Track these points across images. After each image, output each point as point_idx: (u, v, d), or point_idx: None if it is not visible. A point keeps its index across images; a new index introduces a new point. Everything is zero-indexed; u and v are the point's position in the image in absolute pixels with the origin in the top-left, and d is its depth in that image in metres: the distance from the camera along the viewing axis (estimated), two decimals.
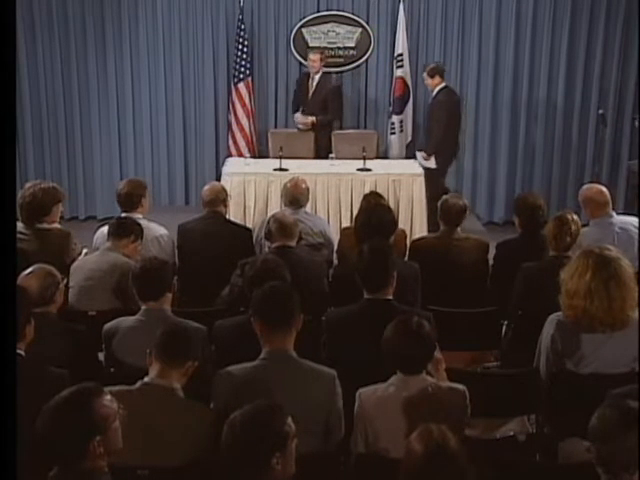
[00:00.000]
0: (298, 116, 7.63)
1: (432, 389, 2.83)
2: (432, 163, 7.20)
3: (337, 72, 8.10)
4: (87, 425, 2.21)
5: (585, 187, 5.07)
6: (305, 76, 7.74)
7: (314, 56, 7.59)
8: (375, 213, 4.45)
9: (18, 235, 4.32)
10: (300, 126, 7.62)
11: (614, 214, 4.86)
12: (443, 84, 7.27)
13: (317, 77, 7.60)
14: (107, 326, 3.47)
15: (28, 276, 3.44)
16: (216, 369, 3.03)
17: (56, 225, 4.66)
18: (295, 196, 5.14)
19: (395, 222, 4.58)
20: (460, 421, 2.80)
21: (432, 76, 7.22)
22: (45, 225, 4.56)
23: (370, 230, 4.29)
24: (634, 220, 4.88)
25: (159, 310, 3.46)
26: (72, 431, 2.19)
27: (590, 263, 3.26)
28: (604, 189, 4.89)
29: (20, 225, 4.45)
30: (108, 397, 2.30)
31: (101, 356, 3.53)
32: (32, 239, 4.45)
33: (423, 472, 2.15)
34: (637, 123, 7.50)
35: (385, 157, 7.70)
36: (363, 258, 3.58)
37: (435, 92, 7.25)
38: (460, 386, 2.89)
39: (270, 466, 2.23)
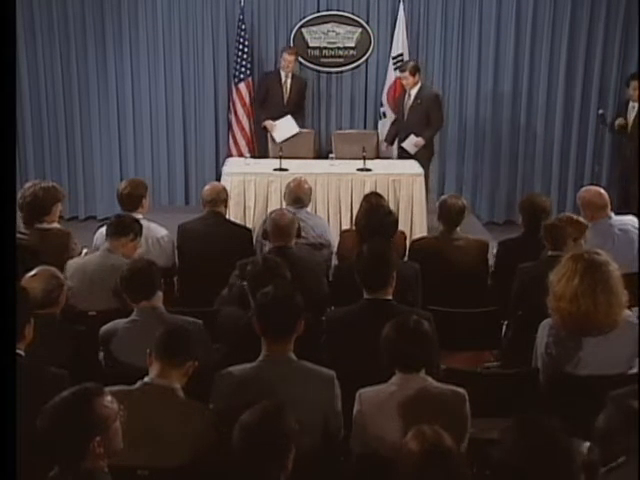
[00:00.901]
0: (292, 124, 7.48)
1: (432, 390, 2.84)
2: (414, 150, 7.19)
3: (337, 72, 8.11)
4: (87, 425, 2.21)
5: (583, 190, 5.06)
6: (275, 77, 7.62)
7: (290, 56, 7.49)
8: (377, 216, 4.44)
9: (18, 235, 4.33)
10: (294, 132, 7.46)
11: (612, 215, 4.86)
12: (420, 82, 7.28)
13: (290, 76, 7.57)
14: (104, 328, 3.47)
15: (32, 278, 3.44)
16: (221, 360, 3.04)
17: (56, 225, 4.66)
18: (298, 195, 5.15)
19: (396, 224, 4.57)
20: (460, 423, 2.80)
21: (414, 74, 7.16)
22: (45, 225, 4.56)
23: (371, 233, 4.28)
24: (633, 220, 4.89)
25: (153, 308, 3.47)
26: (73, 431, 2.19)
27: (579, 268, 3.25)
28: (602, 191, 4.89)
29: (20, 225, 4.46)
30: (109, 397, 2.30)
31: (101, 356, 3.54)
32: (32, 239, 4.45)
33: (419, 471, 2.15)
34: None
35: (385, 157, 7.69)
36: (363, 258, 3.58)
37: (418, 89, 7.20)
38: (461, 390, 2.89)
39: (285, 465, 2.26)
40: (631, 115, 7.29)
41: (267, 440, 2.24)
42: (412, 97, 7.23)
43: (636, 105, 7.22)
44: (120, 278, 3.57)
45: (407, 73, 7.18)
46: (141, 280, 3.49)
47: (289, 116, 7.45)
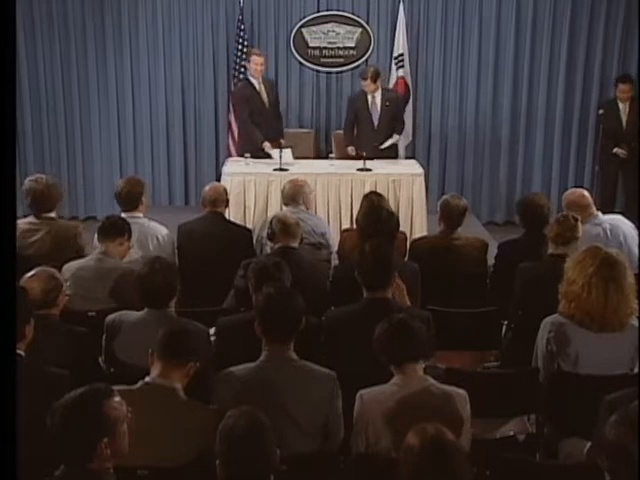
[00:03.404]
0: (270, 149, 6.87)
1: (434, 390, 2.84)
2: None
3: (337, 72, 8.11)
4: (96, 426, 2.21)
5: (568, 192, 5.14)
6: (248, 86, 7.14)
7: (260, 57, 7.07)
8: (378, 217, 4.43)
9: (28, 226, 4.53)
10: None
11: (599, 214, 4.94)
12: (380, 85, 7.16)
13: (261, 81, 7.15)
14: (110, 318, 3.46)
15: (31, 278, 3.43)
16: (218, 366, 3.03)
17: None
18: (293, 191, 5.17)
19: (397, 225, 4.56)
20: (461, 424, 2.80)
21: (375, 80, 6.96)
22: (52, 215, 4.67)
23: (373, 233, 4.28)
24: (620, 217, 5.01)
25: (163, 310, 3.45)
26: (81, 431, 2.18)
27: (597, 259, 3.30)
28: (585, 192, 5.00)
29: (30, 217, 4.63)
30: (118, 399, 2.30)
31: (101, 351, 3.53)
32: (42, 228, 4.56)
33: (421, 467, 2.14)
34: None
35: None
36: (365, 257, 3.57)
37: (380, 93, 7.03)
38: (462, 391, 2.89)
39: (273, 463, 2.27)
40: (623, 116, 7.43)
41: (250, 451, 2.25)
42: (378, 102, 7.07)
43: (626, 105, 7.41)
44: (136, 280, 3.49)
45: (368, 81, 6.94)
46: (158, 286, 3.41)
47: (289, 150, 6.89)
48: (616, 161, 7.45)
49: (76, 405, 2.22)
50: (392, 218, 4.49)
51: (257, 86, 7.15)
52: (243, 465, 2.24)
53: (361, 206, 4.68)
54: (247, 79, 7.24)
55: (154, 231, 4.75)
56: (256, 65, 7.07)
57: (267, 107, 7.19)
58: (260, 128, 7.01)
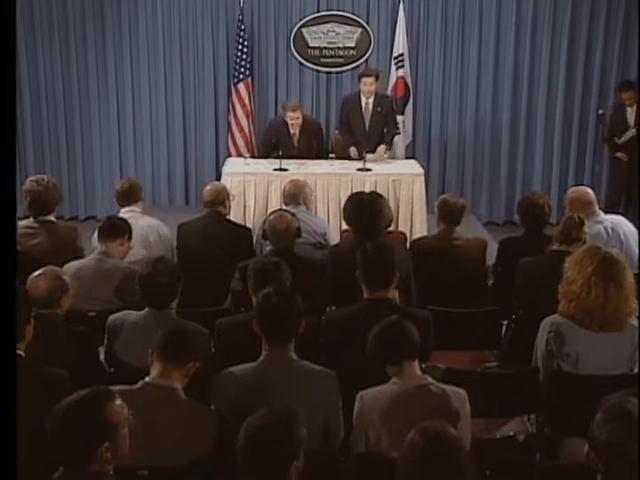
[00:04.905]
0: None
1: (433, 389, 2.84)
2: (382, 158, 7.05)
3: (337, 72, 8.11)
4: (97, 430, 2.20)
5: (571, 190, 5.16)
6: (281, 126, 7.01)
7: (293, 113, 6.84)
8: (359, 203, 4.42)
9: (26, 230, 4.52)
10: None
11: (601, 213, 4.96)
12: None
13: (370, 101, 7.06)
14: (112, 317, 3.47)
15: (37, 277, 3.44)
16: (217, 367, 3.03)
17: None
18: (293, 191, 5.18)
19: (386, 212, 4.50)
20: (461, 423, 2.80)
21: (377, 80, 6.95)
22: (51, 218, 4.69)
23: (358, 222, 4.28)
24: (621, 218, 5.05)
25: (164, 310, 3.44)
26: (82, 435, 2.18)
27: (596, 258, 3.30)
28: (589, 190, 5.02)
29: (29, 220, 4.63)
30: (119, 402, 2.29)
31: (102, 353, 3.52)
32: (41, 232, 4.57)
33: (423, 462, 2.13)
34: None
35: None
36: (367, 257, 3.55)
37: (374, 96, 7.00)
38: (461, 390, 2.89)
39: (290, 473, 2.24)
40: (631, 119, 7.42)
41: (273, 445, 2.22)
42: (370, 105, 7.03)
43: (633, 109, 7.39)
44: (139, 279, 3.49)
45: (372, 78, 6.90)
46: (160, 287, 3.42)
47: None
48: (622, 165, 7.43)
49: (77, 409, 2.21)
50: (375, 204, 4.42)
51: (291, 131, 7.01)
52: (259, 461, 2.22)
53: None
54: (284, 118, 7.03)
55: (153, 225, 4.84)
56: (291, 120, 6.91)
57: (295, 147, 7.04)
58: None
